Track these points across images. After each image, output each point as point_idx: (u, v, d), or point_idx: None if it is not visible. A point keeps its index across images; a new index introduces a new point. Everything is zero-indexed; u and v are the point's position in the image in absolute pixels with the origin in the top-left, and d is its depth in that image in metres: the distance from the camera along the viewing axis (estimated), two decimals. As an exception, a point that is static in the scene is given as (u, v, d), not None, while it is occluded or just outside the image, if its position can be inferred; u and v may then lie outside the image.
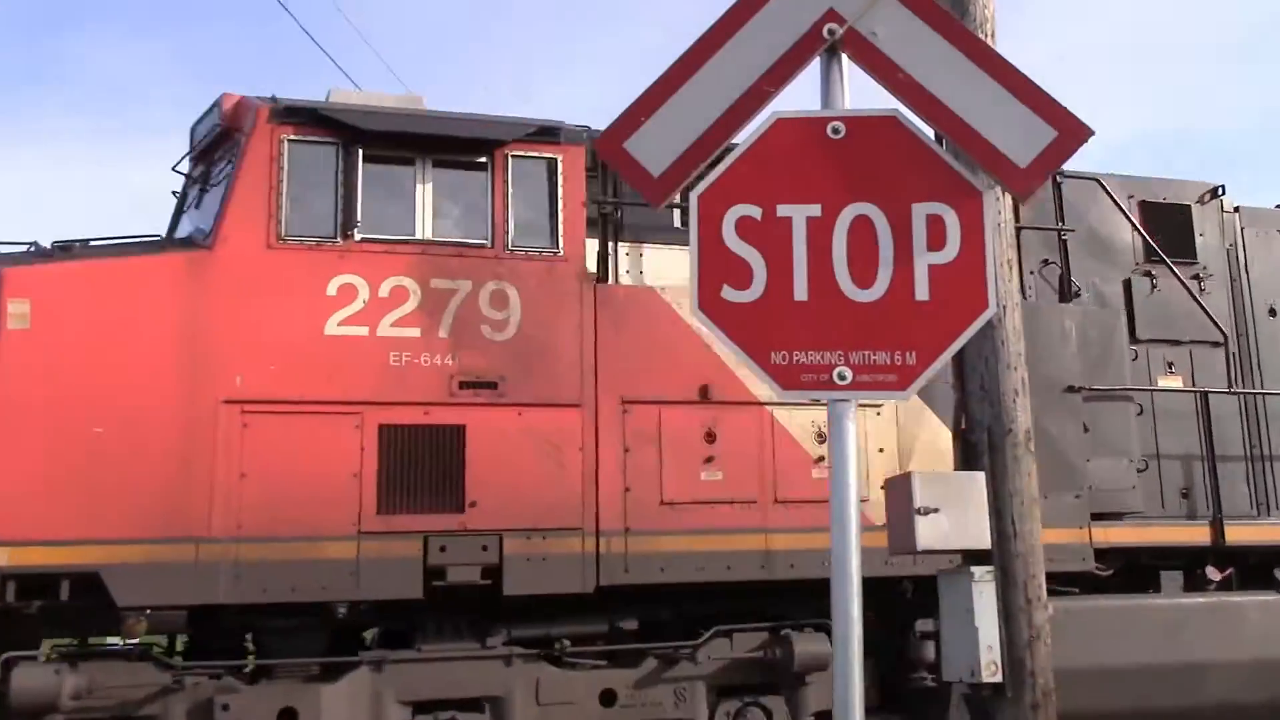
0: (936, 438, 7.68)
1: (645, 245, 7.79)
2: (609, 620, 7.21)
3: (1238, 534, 8.24)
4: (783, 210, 2.91)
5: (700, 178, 3.00)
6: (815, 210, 2.89)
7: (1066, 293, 8.37)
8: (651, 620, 7.25)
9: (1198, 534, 8.19)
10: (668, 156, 2.99)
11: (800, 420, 7.44)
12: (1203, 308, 8.61)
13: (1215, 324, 8.61)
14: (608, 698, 7.02)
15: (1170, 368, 8.81)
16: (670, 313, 7.33)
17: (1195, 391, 8.61)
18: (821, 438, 7.43)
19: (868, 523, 7.47)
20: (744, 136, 2.98)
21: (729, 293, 2.89)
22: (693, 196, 2.96)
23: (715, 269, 2.90)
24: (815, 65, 2.98)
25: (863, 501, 7.48)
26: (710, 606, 7.32)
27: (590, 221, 7.44)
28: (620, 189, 7.53)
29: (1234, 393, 8.79)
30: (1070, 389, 8.00)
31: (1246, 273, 9.25)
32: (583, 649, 7.09)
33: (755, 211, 2.92)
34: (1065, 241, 8.45)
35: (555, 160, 7.30)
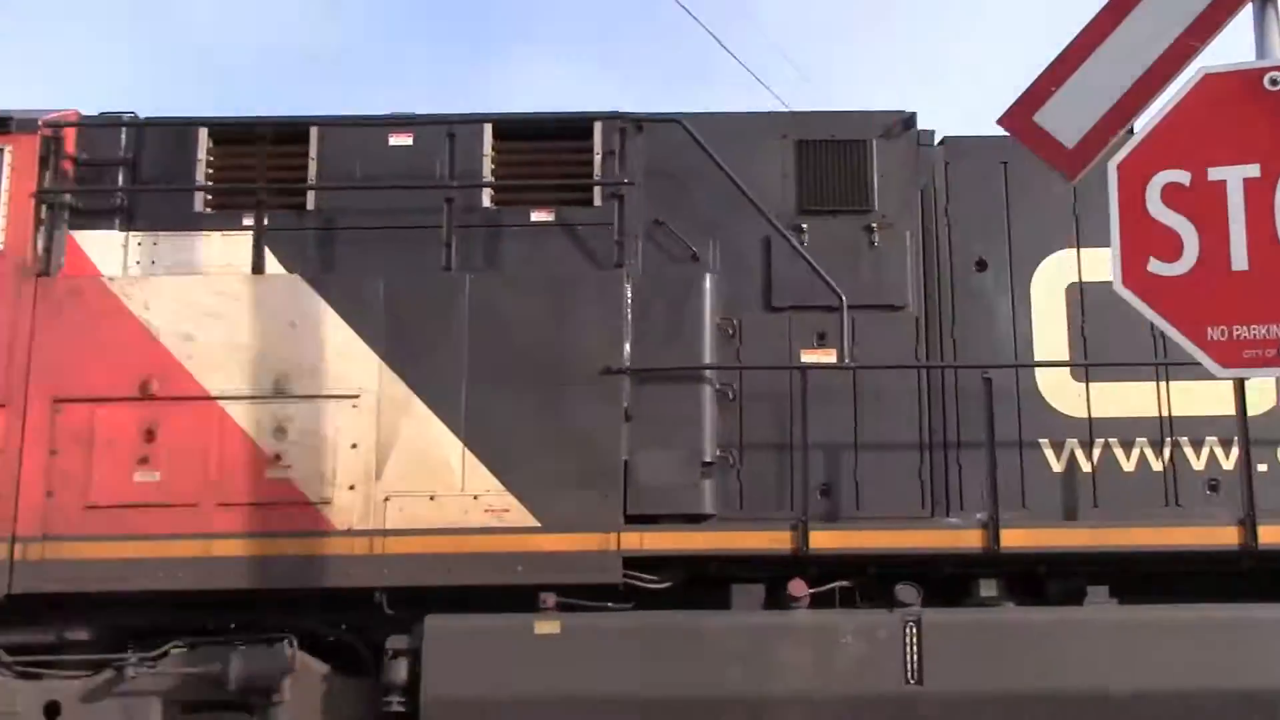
0: (425, 430, 6.78)
1: (161, 234, 7.36)
2: (58, 631, 6.89)
3: (828, 540, 6.76)
4: (1215, 174, 2.73)
5: (1118, 146, 2.87)
6: (1253, 170, 2.70)
7: (622, 258, 7.12)
8: (70, 633, 6.85)
9: (776, 540, 6.78)
10: (1082, 126, 2.88)
11: (258, 415, 6.79)
12: (816, 270, 7.05)
13: (831, 286, 7.02)
14: (52, 709, 6.71)
15: (820, 340, 7.34)
16: (117, 304, 6.89)
17: (842, 368, 7.13)
18: (281, 433, 6.75)
19: (329, 527, 6.75)
20: (1165, 98, 2.85)
21: (1157, 266, 2.76)
22: (1111, 166, 2.85)
23: (1140, 242, 2.77)
24: (1247, 13, 2.82)
25: (324, 504, 6.78)
26: (149, 617, 6.83)
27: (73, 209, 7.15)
28: (68, 177, 7.16)
29: (894, 367, 7.22)
30: (609, 370, 6.85)
31: (948, 218, 7.56)
32: (26, 658, 6.81)
33: (1184, 177, 2.76)
34: (621, 196, 7.17)
35: (3, 150, 7.04)
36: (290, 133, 7.36)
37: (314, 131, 7.34)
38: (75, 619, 6.86)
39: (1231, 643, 6.42)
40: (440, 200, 7.12)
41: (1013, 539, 6.77)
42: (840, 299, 7.02)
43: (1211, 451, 7.03)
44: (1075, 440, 7.09)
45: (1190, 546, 6.74)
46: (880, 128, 7.58)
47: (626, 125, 7.33)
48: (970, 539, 6.84)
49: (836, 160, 7.53)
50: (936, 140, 7.67)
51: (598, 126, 7.35)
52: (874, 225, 7.42)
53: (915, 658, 6.44)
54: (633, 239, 7.27)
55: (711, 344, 7.07)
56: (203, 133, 7.37)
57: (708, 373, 7.02)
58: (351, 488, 6.72)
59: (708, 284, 7.15)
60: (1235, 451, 6.93)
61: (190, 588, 6.64)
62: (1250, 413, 6.88)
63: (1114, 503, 6.97)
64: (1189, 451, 7.05)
